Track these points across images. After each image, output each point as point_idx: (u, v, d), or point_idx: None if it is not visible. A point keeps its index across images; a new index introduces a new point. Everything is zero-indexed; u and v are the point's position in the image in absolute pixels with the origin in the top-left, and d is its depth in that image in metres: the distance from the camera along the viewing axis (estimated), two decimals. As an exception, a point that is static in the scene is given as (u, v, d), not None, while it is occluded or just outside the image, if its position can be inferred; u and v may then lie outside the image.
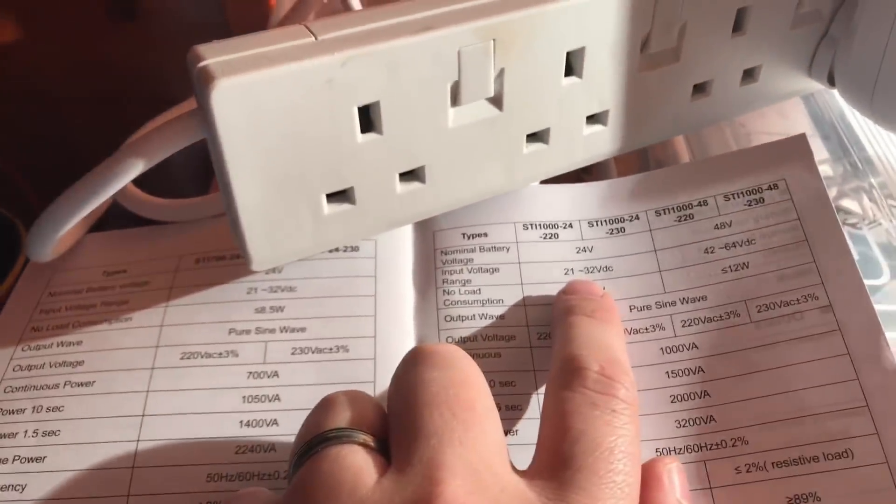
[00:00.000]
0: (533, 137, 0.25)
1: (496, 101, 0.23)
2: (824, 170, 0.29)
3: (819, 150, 0.30)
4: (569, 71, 0.24)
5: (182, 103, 0.30)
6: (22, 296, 0.27)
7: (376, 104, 0.21)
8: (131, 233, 0.28)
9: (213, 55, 0.19)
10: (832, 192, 0.28)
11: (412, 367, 0.20)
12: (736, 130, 0.31)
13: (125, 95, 0.48)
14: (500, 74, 0.22)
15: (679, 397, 0.23)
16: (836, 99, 0.30)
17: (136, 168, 0.20)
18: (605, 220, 0.27)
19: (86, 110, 0.49)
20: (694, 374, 0.23)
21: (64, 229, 0.22)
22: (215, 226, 0.28)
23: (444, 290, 0.26)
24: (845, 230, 0.25)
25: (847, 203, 0.29)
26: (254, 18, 0.43)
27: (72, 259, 0.27)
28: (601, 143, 0.26)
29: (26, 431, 0.23)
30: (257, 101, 0.19)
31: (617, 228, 0.27)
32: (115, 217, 0.27)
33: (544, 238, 0.27)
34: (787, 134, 0.28)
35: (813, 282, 0.24)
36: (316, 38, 0.20)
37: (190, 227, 0.28)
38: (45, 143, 0.49)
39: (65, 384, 0.24)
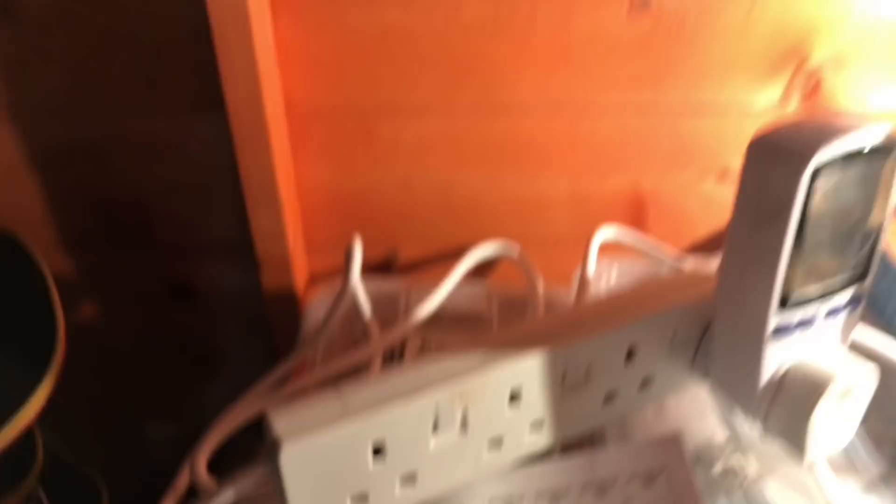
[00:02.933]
0: (491, 445, 0.33)
1: (463, 426, 0.32)
2: (714, 439, 0.38)
3: (712, 422, 0.39)
4: (512, 398, 0.33)
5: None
6: None
7: (383, 441, 0.30)
8: None
9: (281, 423, 0.29)
10: (717, 455, 0.37)
11: None
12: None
13: (180, 355, 0.60)
14: (465, 412, 0.31)
15: None
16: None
17: (228, 498, 0.30)
18: (547, 493, 0.34)
19: (152, 378, 0.61)
20: None
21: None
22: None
23: None
24: (723, 490, 0.35)
25: (727, 464, 0.36)
26: (286, 305, 0.52)
27: None
28: (541, 441, 0.35)
29: None
30: (309, 455, 0.29)
31: (555, 499, 0.34)
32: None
33: None
34: (688, 412, 0.40)
35: None
36: (346, 406, 0.29)
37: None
38: (116, 410, 0.62)
39: None
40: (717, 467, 0.36)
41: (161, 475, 0.38)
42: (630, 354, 0.35)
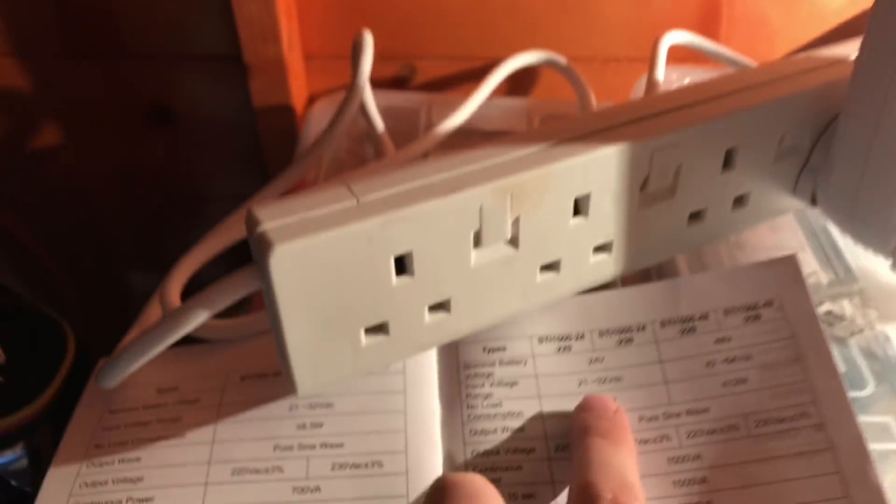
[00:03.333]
0: (545, 268, 0.26)
1: (513, 241, 0.24)
2: (815, 279, 0.30)
3: (809, 260, 0.31)
4: (576, 211, 0.25)
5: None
6: (85, 413, 0.27)
7: (409, 253, 0.22)
8: (181, 352, 0.28)
9: (269, 219, 0.21)
10: (820, 299, 0.29)
11: (438, 501, 0.20)
12: (728, 242, 0.32)
13: (162, 193, 0.51)
14: (516, 221, 0.24)
15: None
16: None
17: (203, 316, 0.22)
18: (614, 330, 0.27)
19: (124, 207, 0.52)
20: (699, 483, 0.23)
21: (136, 367, 0.24)
22: (257, 344, 0.28)
23: (468, 405, 0.26)
24: (832, 340, 0.27)
25: (833, 309, 0.29)
26: (281, 127, 0.44)
27: (128, 377, 0.27)
28: (606, 268, 0.27)
29: None
30: (308, 261, 0.21)
31: (625, 339, 0.27)
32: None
33: (558, 350, 0.27)
34: (778, 246, 0.31)
35: (805, 400, 0.24)
36: (358, 201, 0.22)
37: (234, 345, 0.28)
38: (85, 238, 0.53)
39: (127, 500, 0.24)
40: (824, 308, 0.29)
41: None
42: (728, 160, 0.27)
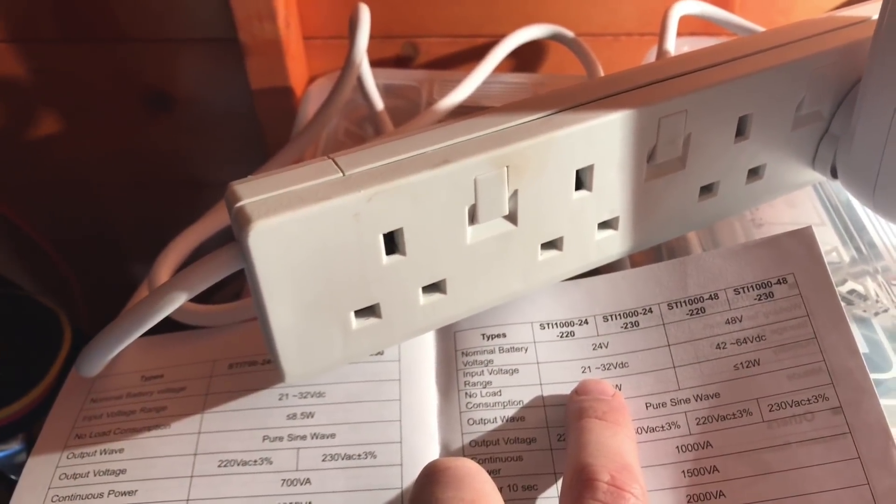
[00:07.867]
0: (547, 245, 0.25)
1: (511, 217, 0.23)
2: (834, 256, 0.29)
3: (829, 236, 0.29)
4: (579, 185, 0.24)
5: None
6: (66, 402, 0.26)
7: (400, 230, 0.21)
8: (167, 338, 0.28)
9: (248, 194, 0.20)
10: (841, 277, 0.28)
11: (426, 486, 0.20)
12: (744, 219, 0.31)
13: (160, 179, 0.50)
14: (514, 195, 0.22)
15: (696, 497, 0.22)
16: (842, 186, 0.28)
17: (181, 299, 0.21)
18: (619, 314, 0.26)
19: (122, 194, 0.51)
20: (709, 473, 0.22)
21: (113, 353, 0.23)
22: (247, 330, 0.27)
23: (466, 393, 0.25)
24: (853, 318, 0.26)
25: (855, 287, 0.28)
26: (281, 110, 0.43)
27: (111, 364, 0.27)
28: (612, 245, 0.26)
29: None
30: (290, 238, 0.20)
31: (631, 322, 0.25)
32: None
33: (561, 336, 0.26)
34: (796, 222, 0.30)
35: (822, 381, 0.23)
36: (343, 174, 0.20)
37: (223, 331, 0.27)
38: (84, 225, 0.53)
39: (108, 493, 0.23)
40: (846, 287, 0.27)
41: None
42: (741, 128, 0.25)
